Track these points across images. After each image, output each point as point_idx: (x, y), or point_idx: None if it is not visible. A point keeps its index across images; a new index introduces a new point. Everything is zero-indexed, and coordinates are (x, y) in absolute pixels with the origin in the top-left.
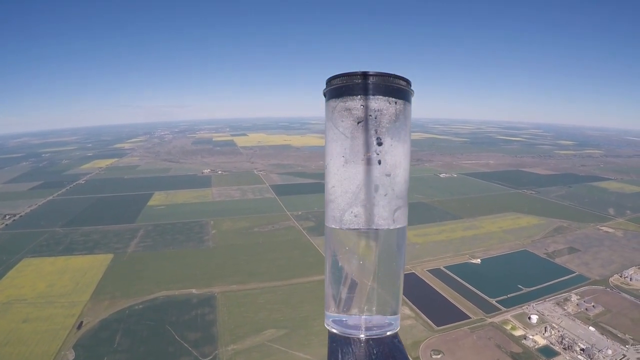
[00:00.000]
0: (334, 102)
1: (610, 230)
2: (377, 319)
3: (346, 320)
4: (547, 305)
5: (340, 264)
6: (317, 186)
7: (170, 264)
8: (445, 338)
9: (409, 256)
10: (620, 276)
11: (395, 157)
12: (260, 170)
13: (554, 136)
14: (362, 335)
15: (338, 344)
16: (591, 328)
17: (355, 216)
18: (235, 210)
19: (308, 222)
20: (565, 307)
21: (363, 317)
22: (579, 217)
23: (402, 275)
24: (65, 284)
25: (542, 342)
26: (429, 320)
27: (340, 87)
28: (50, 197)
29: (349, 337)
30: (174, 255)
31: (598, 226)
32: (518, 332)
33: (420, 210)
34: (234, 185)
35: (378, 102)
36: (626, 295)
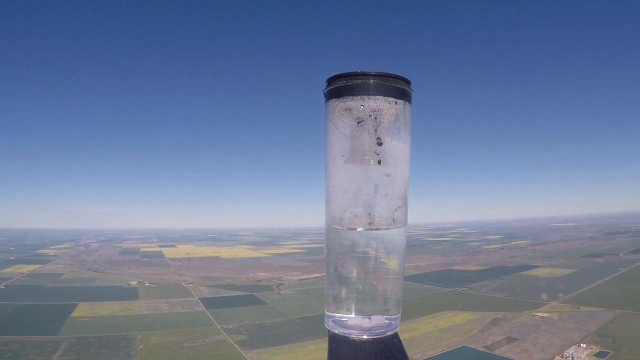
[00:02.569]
0: (334, 102)
1: (546, 314)
2: (377, 319)
3: (346, 321)
4: None
5: (340, 264)
6: (248, 299)
7: None
8: None
9: None
10: (561, 357)
11: (395, 157)
12: (189, 283)
13: (481, 232)
14: (362, 336)
15: (338, 344)
16: None
17: (355, 216)
18: (163, 324)
19: (240, 335)
20: None
21: (363, 317)
22: (513, 306)
23: (402, 275)
24: None
25: None
26: None
27: (340, 87)
28: None
29: (348, 337)
30: None
31: (533, 312)
32: None
33: None
34: (162, 298)
35: (378, 102)
36: None
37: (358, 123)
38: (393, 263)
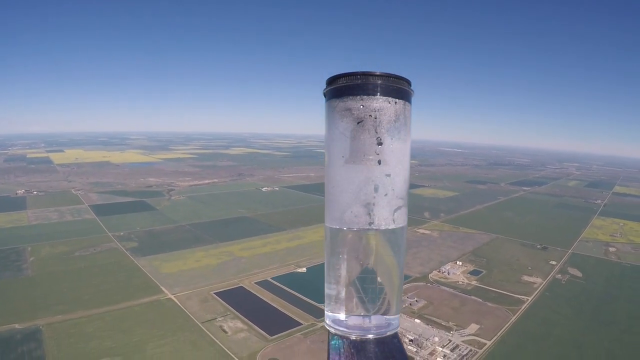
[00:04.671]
0: (334, 102)
1: (427, 232)
2: (377, 319)
3: (346, 320)
4: None
5: (340, 264)
6: (138, 205)
7: None
8: (280, 346)
9: (236, 270)
10: (439, 272)
11: (395, 157)
12: (79, 190)
13: None
14: (362, 336)
15: (338, 344)
16: (417, 320)
17: (355, 216)
18: (53, 234)
19: (131, 242)
20: None
21: (363, 317)
22: None
23: (402, 275)
24: None
25: None
26: (262, 331)
27: (341, 87)
28: None
29: (348, 337)
30: None
31: (415, 229)
32: None
33: (244, 224)
34: (51, 207)
35: (378, 102)
36: (445, 288)
37: (358, 123)
38: (393, 263)
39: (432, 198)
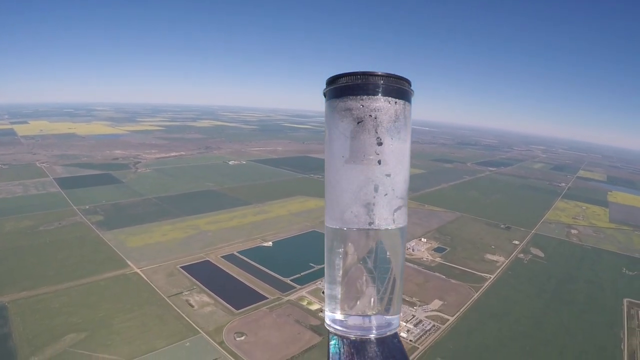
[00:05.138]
0: (334, 102)
1: None
2: (377, 318)
3: (346, 320)
4: None
5: (340, 264)
6: (104, 178)
7: None
8: (247, 320)
9: (202, 244)
10: (409, 247)
11: (395, 157)
12: (44, 162)
13: None
14: (362, 336)
15: (338, 344)
16: None
17: (355, 216)
18: (17, 208)
19: (97, 216)
20: None
21: (363, 317)
22: None
23: (402, 275)
24: None
25: None
26: (228, 305)
27: (341, 87)
28: None
29: (349, 337)
30: None
31: None
32: (314, 307)
33: (211, 197)
34: (15, 180)
35: (378, 102)
36: (410, 264)
37: (358, 123)
38: (393, 263)
39: None
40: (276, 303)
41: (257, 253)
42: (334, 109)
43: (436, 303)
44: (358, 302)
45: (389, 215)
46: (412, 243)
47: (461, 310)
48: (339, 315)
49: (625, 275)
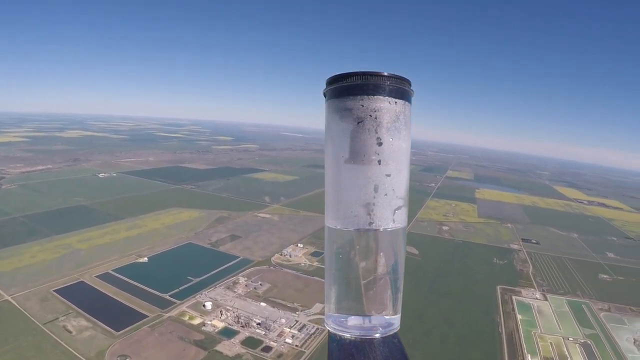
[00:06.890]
0: (333, 102)
1: (267, 215)
2: (377, 319)
3: (346, 321)
4: (218, 291)
5: (340, 264)
6: None
7: None
8: (128, 341)
9: (75, 264)
10: (281, 254)
11: (395, 157)
12: None
13: (212, 132)
14: (362, 336)
15: (338, 344)
16: (262, 304)
17: (355, 216)
18: None
19: None
20: (236, 290)
21: (363, 317)
22: (238, 206)
23: (402, 275)
24: None
25: (220, 325)
26: (108, 327)
27: (341, 87)
28: None
29: (349, 338)
30: None
31: (256, 213)
32: (196, 321)
33: (81, 213)
34: None
35: (378, 102)
36: (288, 270)
37: (358, 123)
38: (393, 263)
39: (273, 182)
40: (157, 321)
41: (132, 270)
42: (334, 109)
43: (318, 307)
44: (358, 303)
45: (389, 215)
46: (289, 249)
47: None
48: (339, 316)
49: (496, 264)
